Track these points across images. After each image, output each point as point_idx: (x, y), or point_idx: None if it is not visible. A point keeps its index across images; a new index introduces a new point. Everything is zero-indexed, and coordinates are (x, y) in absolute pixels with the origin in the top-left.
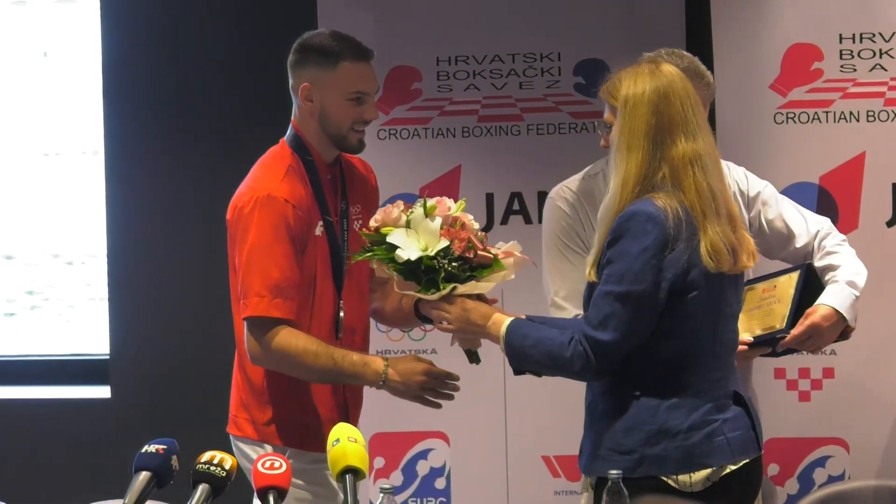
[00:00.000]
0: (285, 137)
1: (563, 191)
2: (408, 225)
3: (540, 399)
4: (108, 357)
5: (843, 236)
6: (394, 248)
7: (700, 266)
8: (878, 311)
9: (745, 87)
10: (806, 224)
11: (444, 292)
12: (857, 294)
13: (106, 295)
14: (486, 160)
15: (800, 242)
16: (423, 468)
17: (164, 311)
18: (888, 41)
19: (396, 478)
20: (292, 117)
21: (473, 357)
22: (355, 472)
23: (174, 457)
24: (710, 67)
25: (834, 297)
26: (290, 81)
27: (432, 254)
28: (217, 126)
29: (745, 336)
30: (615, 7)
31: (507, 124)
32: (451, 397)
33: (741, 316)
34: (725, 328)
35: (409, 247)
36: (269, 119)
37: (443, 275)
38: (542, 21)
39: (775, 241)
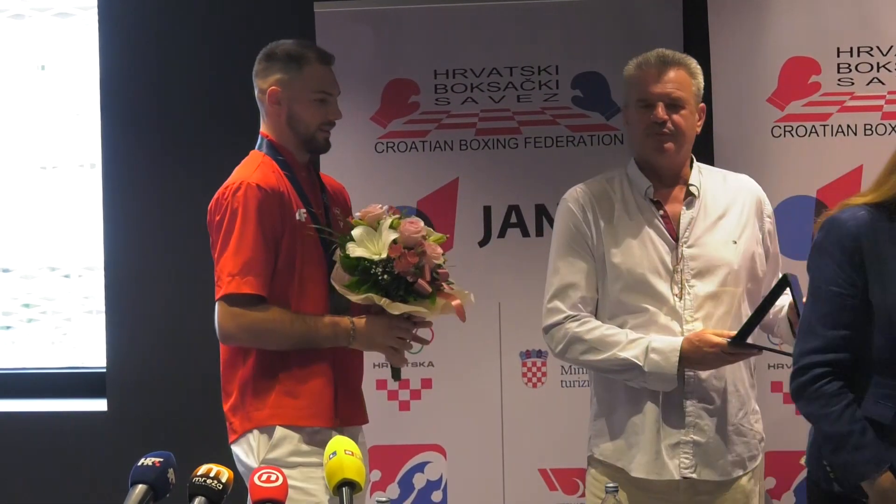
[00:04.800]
0: (256, 147)
1: (577, 192)
2: (375, 227)
3: (537, 412)
4: (104, 370)
5: None
6: (349, 241)
7: None
8: None
9: (742, 101)
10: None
11: (358, 297)
12: None
13: (103, 308)
14: (483, 173)
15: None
16: (419, 481)
17: (161, 324)
18: (886, 55)
19: (393, 490)
20: (261, 128)
21: (397, 374)
22: (352, 485)
23: (171, 470)
24: (708, 81)
25: None
26: (257, 90)
27: (375, 259)
28: (214, 139)
29: (727, 333)
30: (613, 21)
31: (504, 137)
32: (424, 341)
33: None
34: None
35: (363, 245)
36: None
37: (370, 283)
38: (539, 34)
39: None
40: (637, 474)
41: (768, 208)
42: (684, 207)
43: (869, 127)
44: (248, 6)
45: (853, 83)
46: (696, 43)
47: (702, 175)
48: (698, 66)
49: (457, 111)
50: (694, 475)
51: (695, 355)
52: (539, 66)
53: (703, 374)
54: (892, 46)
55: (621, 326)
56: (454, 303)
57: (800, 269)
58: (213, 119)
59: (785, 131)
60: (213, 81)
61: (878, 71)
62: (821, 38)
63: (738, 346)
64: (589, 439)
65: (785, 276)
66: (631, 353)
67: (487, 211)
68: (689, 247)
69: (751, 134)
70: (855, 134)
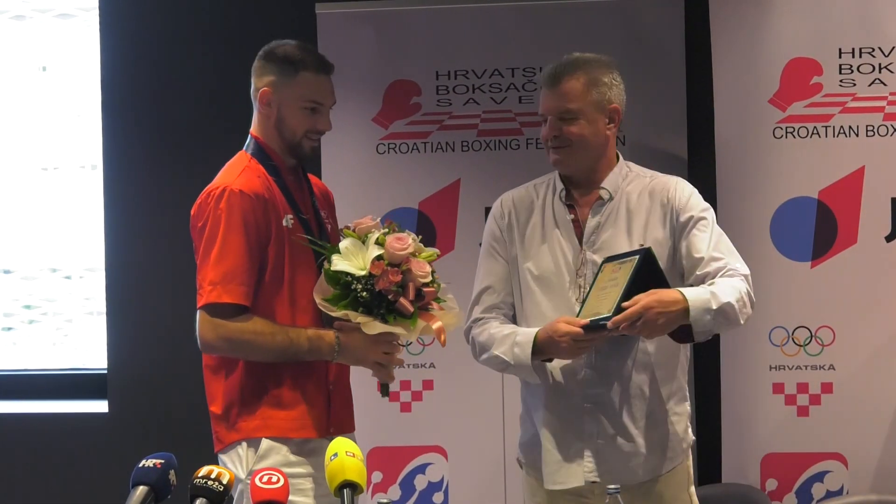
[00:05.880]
0: (244, 147)
1: (501, 198)
2: (363, 240)
3: None
4: (105, 371)
5: (743, 283)
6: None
7: None
8: (876, 325)
9: (744, 102)
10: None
11: (336, 313)
12: (714, 307)
13: (104, 309)
14: (485, 174)
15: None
16: (421, 482)
17: (162, 326)
18: (888, 56)
19: (394, 492)
20: (252, 127)
21: (385, 390)
22: (353, 487)
23: (172, 471)
24: (709, 82)
25: (688, 290)
26: (252, 87)
27: (357, 275)
28: (216, 140)
29: (580, 321)
30: (615, 21)
31: (506, 138)
32: (400, 361)
33: (591, 295)
34: None
35: (347, 258)
36: None
37: (348, 299)
38: (541, 35)
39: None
40: (547, 486)
41: (682, 202)
42: (591, 212)
43: (871, 128)
44: (250, 7)
45: (855, 84)
46: (698, 44)
47: (626, 178)
48: (607, 68)
49: (458, 112)
50: (598, 479)
51: (549, 346)
52: (541, 67)
53: (599, 375)
54: (893, 47)
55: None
56: (434, 325)
57: (803, 271)
58: (214, 120)
59: (786, 132)
60: (214, 82)
61: (879, 72)
62: (822, 39)
63: (594, 330)
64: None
65: (648, 251)
66: (500, 350)
67: (489, 212)
68: (593, 251)
69: (752, 135)
70: (857, 135)
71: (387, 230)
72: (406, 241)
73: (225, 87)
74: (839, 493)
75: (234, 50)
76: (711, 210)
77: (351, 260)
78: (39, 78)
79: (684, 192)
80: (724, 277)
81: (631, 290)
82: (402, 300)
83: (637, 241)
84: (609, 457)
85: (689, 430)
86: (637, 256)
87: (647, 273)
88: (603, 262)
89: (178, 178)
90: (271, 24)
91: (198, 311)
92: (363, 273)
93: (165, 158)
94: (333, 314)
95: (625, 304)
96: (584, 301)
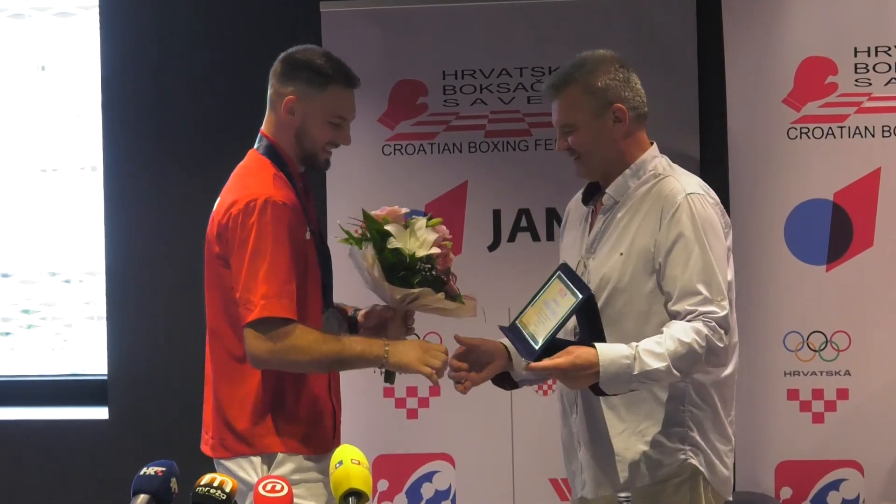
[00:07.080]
0: (257, 148)
1: (577, 195)
2: (406, 226)
3: (547, 420)
4: (106, 377)
5: (704, 330)
6: (387, 237)
7: None
8: (893, 330)
9: (757, 102)
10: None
11: (413, 291)
12: (635, 372)
13: (104, 314)
14: (493, 176)
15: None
16: (427, 491)
17: (163, 331)
18: None
19: (401, 501)
20: (263, 127)
21: (391, 378)
22: (359, 496)
23: (173, 479)
24: (722, 81)
25: (608, 353)
26: (271, 90)
27: (422, 255)
28: (217, 142)
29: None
30: (626, 21)
31: (514, 139)
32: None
33: (537, 302)
34: None
35: (402, 241)
36: None
37: (418, 279)
38: (549, 34)
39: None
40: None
41: (667, 215)
42: (599, 217)
43: (887, 128)
44: (253, 6)
45: (871, 84)
46: (711, 43)
47: (641, 179)
48: (603, 68)
49: (466, 113)
50: (585, 493)
51: None
52: (549, 67)
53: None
54: None
55: None
56: (472, 304)
57: (818, 275)
58: (216, 121)
59: (801, 133)
60: (216, 83)
61: (895, 71)
62: (837, 38)
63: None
64: None
65: (588, 300)
66: None
67: (497, 215)
68: (592, 259)
69: (766, 136)
70: (873, 135)
71: (438, 218)
72: (443, 228)
73: (228, 87)
74: (855, 501)
75: (237, 49)
76: (698, 224)
77: (407, 242)
78: (38, 78)
79: (673, 204)
80: (686, 322)
81: (561, 329)
82: (451, 281)
83: (619, 248)
84: (586, 469)
85: (673, 466)
86: (575, 301)
87: (583, 318)
88: (559, 269)
89: (179, 180)
90: (275, 23)
91: (246, 327)
92: (431, 252)
93: (167, 160)
94: (410, 291)
95: (547, 358)
96: (527, 304)
